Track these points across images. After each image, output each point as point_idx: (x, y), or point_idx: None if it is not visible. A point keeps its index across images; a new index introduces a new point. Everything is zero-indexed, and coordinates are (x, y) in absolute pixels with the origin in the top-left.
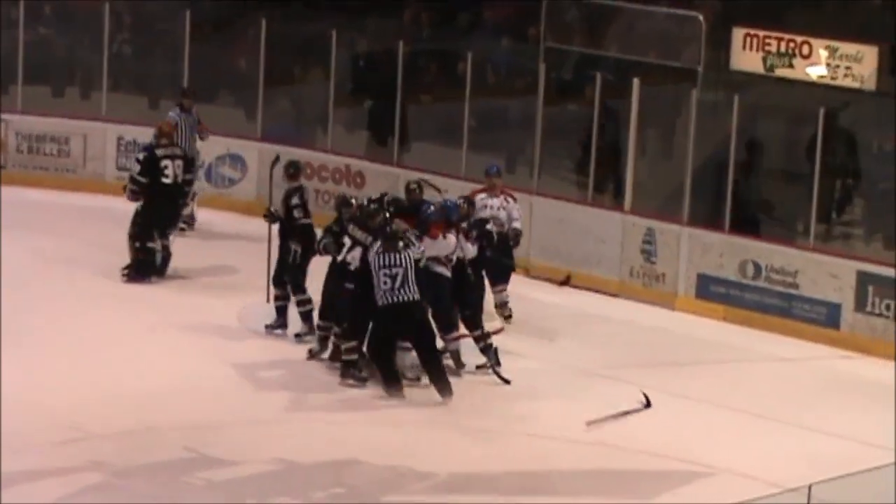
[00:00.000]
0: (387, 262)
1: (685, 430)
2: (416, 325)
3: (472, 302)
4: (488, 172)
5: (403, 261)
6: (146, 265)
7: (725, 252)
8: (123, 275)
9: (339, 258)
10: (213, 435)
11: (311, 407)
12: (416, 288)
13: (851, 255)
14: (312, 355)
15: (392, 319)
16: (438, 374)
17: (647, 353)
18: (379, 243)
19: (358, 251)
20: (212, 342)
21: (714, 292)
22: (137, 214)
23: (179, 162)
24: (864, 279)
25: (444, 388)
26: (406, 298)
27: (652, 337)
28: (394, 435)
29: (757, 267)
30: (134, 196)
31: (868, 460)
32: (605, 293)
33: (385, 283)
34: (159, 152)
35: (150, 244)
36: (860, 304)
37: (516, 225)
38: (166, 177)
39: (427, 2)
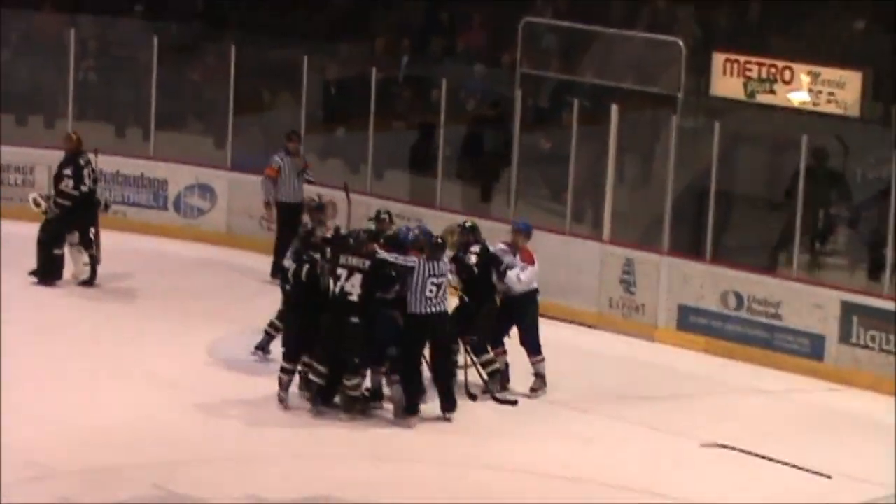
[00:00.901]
0: (434, 272)
1: (660, 464)
2: (448, 335)
3: (477, 327)
4: (516, 228)
5: (446, 271)
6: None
7: (706, 282)
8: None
9: (336, 288)
10: (181, 472)
11: (283, 442)
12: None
13: (835, 286)
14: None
15: (430, 328)
16: (449, 388)
17: (626, 385)
18: (425, 253)
19: (357, 278)
20: (178, 375)
21: (695, 323)
22: (48, 222)
23: (90, 170)
24: (848, 309)
25: (450, 404)
26: (445, 308)
27: (630, 369)
28: (367, 470)
29: (739, 297)
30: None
31: (854, 495)
32: (582, 324)
33: (431, 291)
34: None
35: (57, 251)
36: (844, 336)
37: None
38: (84, 185)
39: (400, 29)
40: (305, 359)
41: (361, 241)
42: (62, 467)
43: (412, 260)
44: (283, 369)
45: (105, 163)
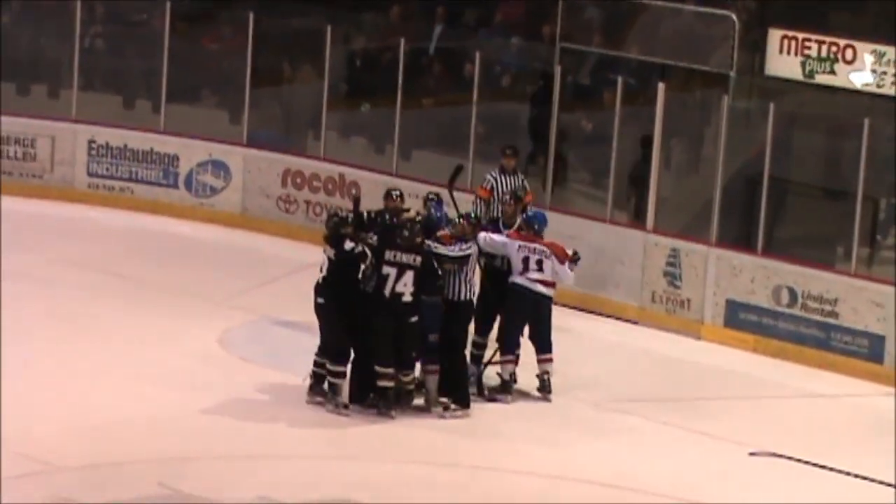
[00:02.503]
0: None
1: (706, 472)
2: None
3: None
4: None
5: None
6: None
7: (757, 276)
8: None
9: (387, 290)
10: (189, 470)
11: (296, 441)
12: None
13: None
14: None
15: (468, 314)
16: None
17: (668, 386)
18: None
19: (409, 275)
20: (186, 368)
21: (744, 320)
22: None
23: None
24: None
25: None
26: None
27: (674, 369)
28: (388, 472)
29: (792, 293)
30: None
31: None
32: (623, 319)
33: (469, 275)
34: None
35: None
36: None
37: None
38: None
39: None
40: (318, 358)
41: (414, 233)
42: (62, 463)
43: (469, 247)
44: (333, 373)
45: (112, 136)
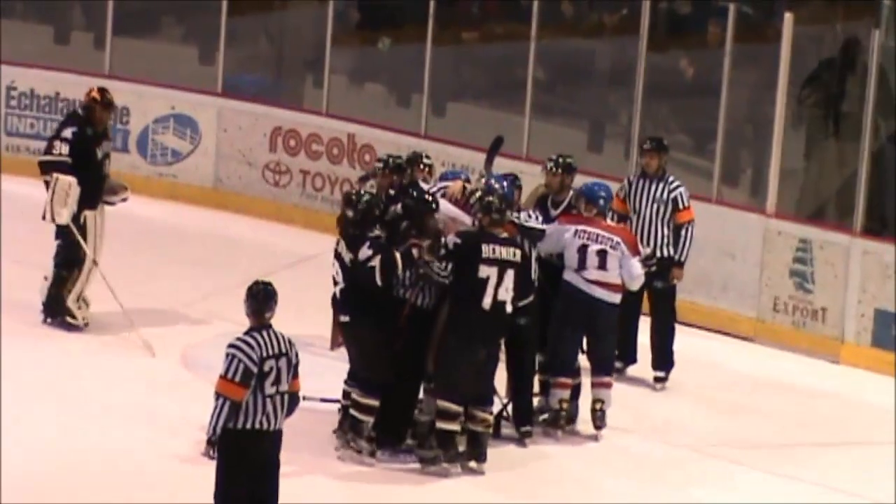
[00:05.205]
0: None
1: None
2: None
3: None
4: (583, 194)
5: None
6: None
7: None
8: None
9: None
10: None
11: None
12: None
13: None
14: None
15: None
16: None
17: (793, 426)
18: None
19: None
20: (142, 394)
21: None
22: None
23: None
24: None
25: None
26: None
27: (802, 402)
28: None
29: None
30: None
31: None
32: (733, 335)
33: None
34: None
35: None
36: None
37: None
38: None
39: None
40: (346, 387)
41: (502, 215)
42: None
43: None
44: (362, 407)
45: (38, 81)
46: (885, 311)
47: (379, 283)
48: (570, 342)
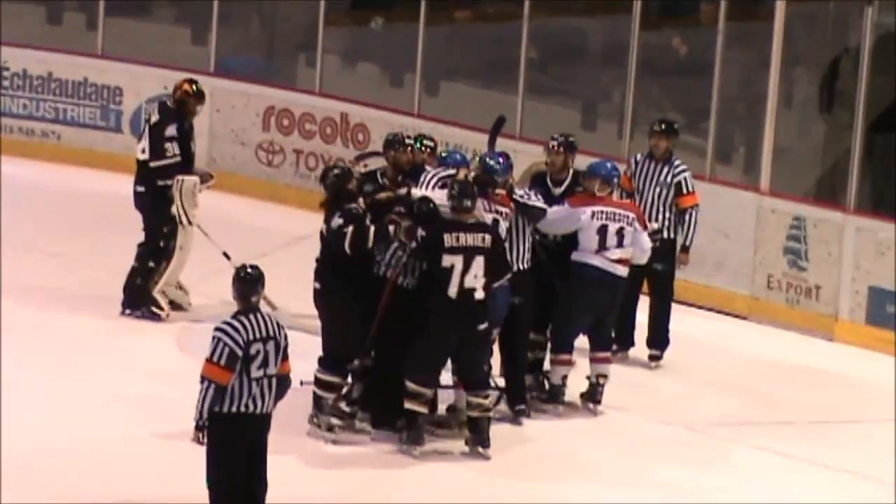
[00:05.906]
0: None
1: None
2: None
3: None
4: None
5: None
6: None
7: None
8: None
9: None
10: None
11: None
12: None
13: None
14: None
15: None
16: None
17: (788, 403)
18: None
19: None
20: (137, 381)
21: (893, 315)
22: None
23: None
24: None
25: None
26: None
27: (797, 379)
28: None
29: None
30: None
31: None
32: (728, 313)
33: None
34: None
35: None
36: None
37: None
38: None
39: None
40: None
41: (471, 200)
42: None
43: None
44: (322, 383)
45: (31, 61)
46: (880, 289)
47: (347, 250)
48: (580, 323)
